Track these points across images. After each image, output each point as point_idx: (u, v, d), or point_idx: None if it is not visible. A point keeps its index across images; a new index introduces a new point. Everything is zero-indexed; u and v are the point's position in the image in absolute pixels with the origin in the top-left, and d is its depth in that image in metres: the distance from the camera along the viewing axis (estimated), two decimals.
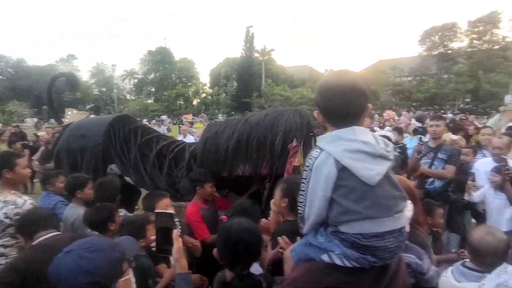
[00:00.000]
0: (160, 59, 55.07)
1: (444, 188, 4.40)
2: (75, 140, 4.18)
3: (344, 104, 1.39)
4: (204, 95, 51.58)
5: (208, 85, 55.85)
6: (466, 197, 4.23)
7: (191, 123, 18.92)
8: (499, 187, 3.76)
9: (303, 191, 1.47)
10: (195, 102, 50.81)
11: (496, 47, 36.34)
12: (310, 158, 1.45)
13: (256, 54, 49.25)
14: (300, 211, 1.52)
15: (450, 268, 2.14)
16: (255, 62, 48.28)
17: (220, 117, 36.56)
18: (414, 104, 34.13)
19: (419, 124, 8.79)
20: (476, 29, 37.35)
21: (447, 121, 7.47)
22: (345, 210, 1.38)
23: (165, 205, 2.80)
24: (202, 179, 3.36)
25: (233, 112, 47.10)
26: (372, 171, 1.35)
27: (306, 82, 43.22)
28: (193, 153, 3.79)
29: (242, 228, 1.79)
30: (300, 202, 1.50)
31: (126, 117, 4.64)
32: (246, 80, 45.59)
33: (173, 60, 55.99)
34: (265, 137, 3.23)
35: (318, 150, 1.43)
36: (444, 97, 35.98)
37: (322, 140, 1.45)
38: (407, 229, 1.56)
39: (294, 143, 3.02)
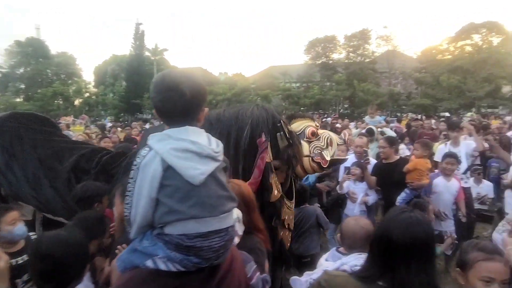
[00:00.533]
0: (31, 52, 47.72)
1: (316, 182, 5.61)
2: None
3: (167, 103, 1.42)
4: (87, 94, 46.61)
5: (93, 83, 50.93)
6: (338, 189, 5.27)
7: (68, 126, 16.56)
8: (360, 178, 5.02)
9: (129, 191, 1.43)
10: (76, 102, 45.49)
11: (367, 60, 41.48)
12: (138, 157, 1.43)
13: (147, 53, 46.83)
14: (126, 214, 1.46)
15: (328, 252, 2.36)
16: (146, 61, 45.79)
17: (109, 119, 33.44)
18: (302, 108, 36.62)
19: None
20: (351, 43, 42.01)
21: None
22: (169, 210, 1.38)
23: (12, 220, 2.43)
24: (101, 193, 2.82)
25: (122, 114, 43.68)
26: (197, 170, 1.37)
27: None
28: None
29: (55, 241, 1.64)
30: (127, 204, 1.45)
31: (17, 116, 3.49)
32: (136, 80, 42.80)
33: (48, 54, 49.11)
34: (229, 132, 2.85)
35: (147, 149, 1.42)
36: (327, 103, 39.52)
37: (152, 138, 1.44)
38: (240, 232, 1.65)
39: (263, 138, 2.80)
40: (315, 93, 38.52)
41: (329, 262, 2.19)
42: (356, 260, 1.90)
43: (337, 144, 3.35)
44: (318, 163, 3.24)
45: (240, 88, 39.66)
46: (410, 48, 43.49)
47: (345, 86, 38.34)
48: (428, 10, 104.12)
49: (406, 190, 4.73)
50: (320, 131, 3.34)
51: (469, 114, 25.87)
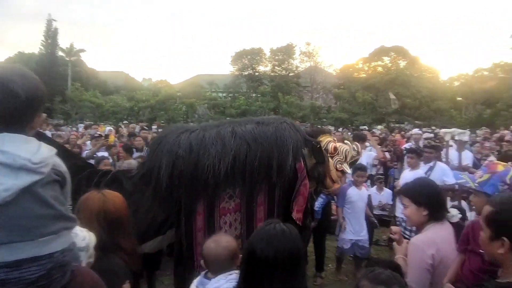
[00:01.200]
0: None
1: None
2: None
3: None
4: None
5: None
6: None
7: None
8: None
9: None
10: None
11: (291, 74, 43.08)
12: None
13: (61, 53, 42.87)
14: None
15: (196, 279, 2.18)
16: (59, 62, 41.83)
17: None
18: (228, 118, 36.52)
19: None
20: (276, 57, 43.31)
21: None
22: None
23: None
24: None
25: None
26: (0, 186, 1.15)
27: (121, 89, 40.38)
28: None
29: None
30: None
31: None
32: (47, 82, 38.58)
33: None
34: (269, 157, 2.68)
35: None
36: (253, 113, 39.88)
37: None
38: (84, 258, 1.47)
39: (302, 164, 2.78)
40: (241, 103, 38.72)
41: None
42: (228, 282, 1.87)
43: (352, 156, 3.44)
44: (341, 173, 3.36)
45: (164, 95, 38.23)
46: (330, 65, 46.05)
47: (270, 98, 39.26)
48: (347, 31, 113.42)
49: (322, 195, 4.95)
50: (337, 145, 3.37)
51: (379, 127, 28.18)
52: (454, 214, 2.14)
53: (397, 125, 38.99)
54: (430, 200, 2.03)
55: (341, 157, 3.32)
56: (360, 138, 6.43)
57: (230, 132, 2.75)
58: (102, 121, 31.96)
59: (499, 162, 1.77)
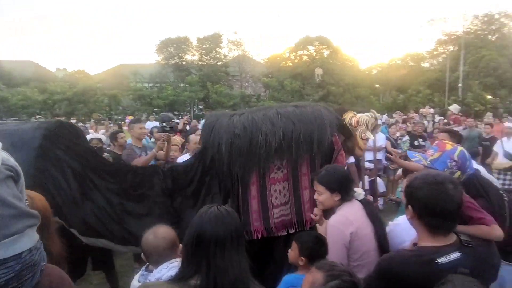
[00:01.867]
0: None
1: None
2: None
3: None
4: None
5: None
6: None
7: None
8: None
9: None
10: None
11: (220, 63, 42.48)
12: None
13: None
14: None
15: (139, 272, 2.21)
16: None
17: None
18: (156, 109, 34.91)
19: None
20: (204, 46, 42.32)
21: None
22: None
23: None
24: None
25: None
26: None
27: (31, 81, 36.24)
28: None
29: None
30: None
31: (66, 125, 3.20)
32: None
33: None
34: (312, 131, 3.16)
35: None
36: (181, 104, 38.67)
37: None
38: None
39: (337, 137, 3.26)
40: (168, 94, 37.23)
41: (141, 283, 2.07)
42: (170, 270, 1.86)
43: (372, 123, 3.68)
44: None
45: (83, 87, 35.14)
46: (259, 54, 46.46)
47: (199, 87, 38.33)
48: (274, 21, 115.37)
49: None
50: (358, 117, 3.62)
51: None
52: (360, 192, 2.39)
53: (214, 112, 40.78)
54: (342, 185, 2.26)
55: (363, 127, 3.61)
56: None
57: (275, 114, 3.23)
58: (9, 117, 28.43)
59: (448, 141, 1.98)
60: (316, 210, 2.48)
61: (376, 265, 1.62)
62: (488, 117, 18.70)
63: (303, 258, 2.19)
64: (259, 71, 43.58)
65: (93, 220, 2.93)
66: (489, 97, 34.50)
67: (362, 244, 2.18)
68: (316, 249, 2.19)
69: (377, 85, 46.63)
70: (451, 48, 46.59)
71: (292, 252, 2.28)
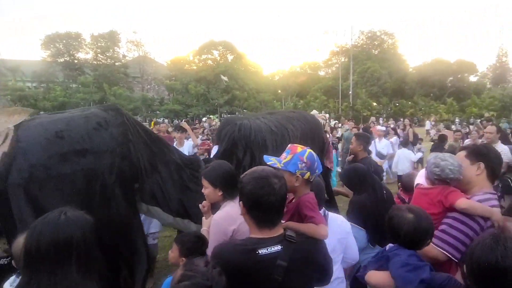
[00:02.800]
0: None
1: None
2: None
3: None
4: None
5: None
6: None
7: None
8: None
9: None
10: None
11: (118, 63, 39.55)
12: None
13: None
14: None
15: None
16: None
17: None
18: (42, 112, 30.72)
19: None
20: (99, 44, 38.96)
21: None
22: None
23: None
24: None
25: None
26: None
27: None
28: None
29: None
30: None
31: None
32: None
33: None
34: (313, 132, 4.31)
35: None
36: (74, 106, 34.77)
37: None
38: None
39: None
40: (57, 95, 33.16)
41: None
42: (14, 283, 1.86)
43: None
44: None
45: None
46: (161, 56, 44.59)
47: (95, 89, 35.04)
48: (178, 23, 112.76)
49: None
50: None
51: (213, 117, 28.79)
52: None
53: (228, 115, 41.00)
54: (225, 182, 2.32)
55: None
56: (179, 128, 6.71)
57: (288, 117, 4.14)
58: None
59: (298, 145, 2.07)
60: (204, 202, 2.47)
61: (212, 252, 1.69)
62: (372, 121, 20.87)
63: (183, 259, 2.16)
64: (161, 73, 41.82)
65: (158, 190, 3.07)
66: (374, 103, 38.71)
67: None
68: (196, 249, 2.21)
69: (279, 91, 48.74)
70: (342, 59, 51.35)
71: (172, 254, 2.27)
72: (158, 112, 37.94)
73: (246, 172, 1.69)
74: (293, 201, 2.02)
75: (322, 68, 55.94)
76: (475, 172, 2.07)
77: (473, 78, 47.47)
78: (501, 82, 48.98)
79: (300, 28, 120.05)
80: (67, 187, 2.42)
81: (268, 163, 1.95)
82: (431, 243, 1.92)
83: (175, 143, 6.29)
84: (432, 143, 9.93)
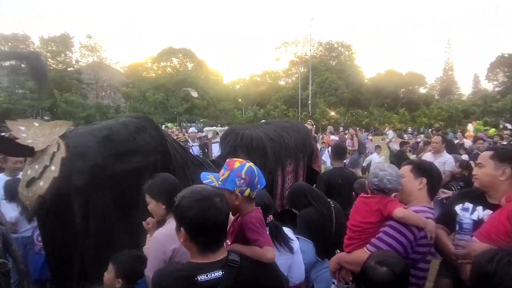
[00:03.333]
0: None
1: None
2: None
3: None
4: None
5: None
6: None
7: None
8: None
9: None
10: None
11: (71, 69, 37.67)
12: None
13: None
14: None
15: None
16: None
17: None
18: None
19: None
20: (49, 48, 36.93)
21: None
22: None
23: None
24: None
25: None
26: None
27: None
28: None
29: None
30: None
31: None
32: None
33: None
34: (304, 139, 4.71)
35: None
36: (20, 113, 32.50)
37: None
38: None
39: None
40: (1, 101, 30.88)
41: None
42: None
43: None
44: None
45: None
46: (117, 62, 42.95)
47: (44, 95, 32.99)
48: (136, 28, 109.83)
49: None
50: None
51: (170, 125, 28.11)
52: None
53: (189, 124, 40.27)
54: (168, 196, 2.14)
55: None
56: None
57: (283, 127, 4.67)
58: None
59: (237, 159, 1.91)
60: (149, 219, 2.34)
61: (151, 279, 1.59)
62: (330, 130, 21.31)
63: (120, 280, 2.07)
64: (117, 80, 40.32)
65: (186, 185, 2.81)
66: (332, 113, 39.72)
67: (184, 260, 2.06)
68: (133, 269, 2.10)
69: (240, 100, 48.72)
70: (302, 69, 52.42)
71: (108, 275, 2.12)
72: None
73: (181, 194, 1.54)
74: (239, 219, 1.88)
75: (282, 77, 56.73)
76: (418, 186, 2.12)
77: (422, 90, 50.26)
78: (448, 94, 52.28)
79: (260, 37, 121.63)
80: (121, 184, 2.68)
81: (204, 182, 1.80)
82: (364, 249, 1.99)
83: None
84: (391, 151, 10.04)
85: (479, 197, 2.19)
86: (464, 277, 1.93)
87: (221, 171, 1.86)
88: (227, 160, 1.90)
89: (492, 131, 16.27)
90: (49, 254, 2.72)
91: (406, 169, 2.22)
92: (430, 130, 22.96)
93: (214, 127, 8.48)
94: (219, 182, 1.79)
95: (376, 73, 52.57)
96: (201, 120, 28.87)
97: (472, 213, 2.18)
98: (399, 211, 1.98)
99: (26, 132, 2.52)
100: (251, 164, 1.86)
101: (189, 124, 38.53)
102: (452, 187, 4.71)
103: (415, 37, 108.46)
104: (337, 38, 54.75)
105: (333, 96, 44.10)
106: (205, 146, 7.88)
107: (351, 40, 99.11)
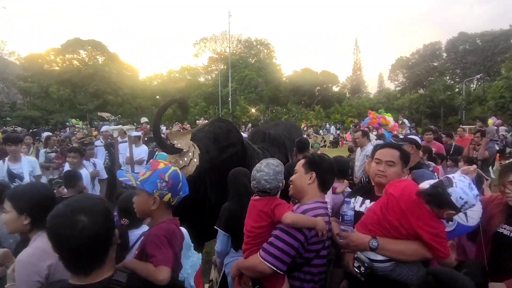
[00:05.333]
0: None
1: None
2: None
3: None
4: None
5: None
6: None
7: None
8: None
9: None
10: None
11: None
12: None
13: None
14: None
15: None
16: None
17: None
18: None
19: None
20: None
21: None
22: None
23: None
24: None
25: None
26: None
27: None
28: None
29: None
30: None
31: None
32: None
33: None
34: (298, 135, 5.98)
35: None
36: None
37: None
38: None
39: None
40: None
41: None
42: None
43: None
44: None
45: None
46: (12, 53, 37.75)
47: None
48: (36, 15, 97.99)
49: None
50: None
51: (74, 121, 25.60)
52: None
53: (100, 122, 37.16)
54: (37, 208, 1.91)
55: None
56: (13, 140, 5.22)
57: (286, 127, 6.42)
58: None
59: (162, 161, 1.80)
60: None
61: None
62: (250, 127, 21.38)
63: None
64: (13, 73, 35.47)
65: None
66: (253, 110, 40.07)
67: (62, 275, 1.86)
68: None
69: (157, 96, 46.50)
70: (221, 66, 52.01)
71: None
72: (8, 119, 31.89)
73: (61, 204, 1.37)
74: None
75: (202, 74, 55.72)
76: (307, 181, 2.09)
77: (335, 88, 53.57)
78: (357, 92, 56.57)
79: (177, 31, 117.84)
80: (225, 167, 3.55)
81: (120, 178, 1.71)
82: (257, 256, 1.93)
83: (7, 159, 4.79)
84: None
85: (368, 191, 2.29)
86: (344, 265, 2.04)
87: (142, 170, 1.75)
88: (151, 160, 1.74)
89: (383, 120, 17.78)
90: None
91: (299, 164, 2.22)
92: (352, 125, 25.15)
93: (120, 126, 7.57)
94: (138, 182, 1.66)
95: (293, 71, 54.54)
96: (112, 118, 26.70)
97: (361, 205, 2.24)
98: (286, 217, 1.93)
99: (176, 139, 3.77)
100: (176, 168, 1.76)
101: (101, 123, 35.64)
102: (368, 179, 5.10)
103: (328, 36, 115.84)
104: (256, 36, 55.29)
105: (253, 94, 44.56)
106: (111, 146, 7.01)
107: (270, 38, 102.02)
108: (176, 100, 4.13)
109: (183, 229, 3.14)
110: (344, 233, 2.03)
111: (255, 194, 2.25)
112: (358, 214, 2.13)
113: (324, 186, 2.12)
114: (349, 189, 3.94)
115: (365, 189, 2.40)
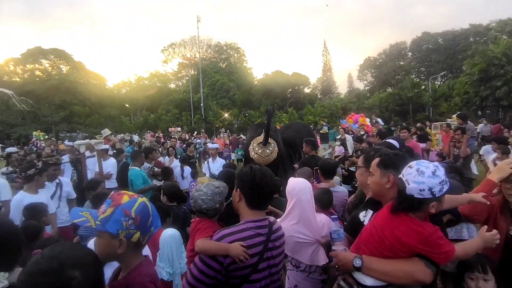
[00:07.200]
0: None
1: None
2: None
3: None
4: None
5: None
6: None
7: None
8: None
9: None
10: None
11: None
12: None
13: None
14: None
15: None
16: None
17: None
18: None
19: None
20: None
21: None
22: None
23: None
24: None
25: None
26: None
27: None
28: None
29: None
30: None
31: None
32: None
33: None
34: (306, 135, 6.65)
35: None
36: None
37: None
38: None
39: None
40: None
41: None
42: None
43: None
44: None
45: None
46: None
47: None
48: None
49: None
50: None
51: (36, 133, 24.56)
52: None
53: (68, 134, 35.66)
54: None
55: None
56: None
57: (296, 128, 7.29)
58: None
59: (127, 192, 1.50)
60: None
61: None
62: (223, 133, 21.04)
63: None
64: None
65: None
66: (226, 115, 39.69)
67: None
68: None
69: (127, 105, 45.23)
70: (192, 71, 51.30)
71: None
72: None
73: (40, 258, 1.13)
74: (119, 277, 1.50)
75: (172, 80, 54.77)
76: (236, 199, 1.92)
77: (307, 90, 54.04)
78: (328, 93, 57.34)
79: (144, 37, 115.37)
80: (283, 156, 5.60)
81: (75, 220, 1.41)
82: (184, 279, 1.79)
83: None
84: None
85: (378, 204, 2.06)
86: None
87: (103, 207, 1.46)
88: (112, 192, 1.50)
89: (361, 119, 18.08)
90: None
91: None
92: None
93: (88, 140, 7.01)
94: (97, 222, 1.40)
95: (264, 73, 54.54)
96: (76, 129, 25.64)
97: (370, 219, 2.04)
98: (197, 244, 1.84)
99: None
100: (144, 199, 1.50)
101: (68, 135, 34.21)
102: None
103: (298, 38, 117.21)
104: (225, 40, 54.95)
105: (225, 98, 44.18)
106: (77, 161, 6.49)
107: (240, 41, 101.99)
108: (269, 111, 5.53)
109: (175, 231, 2.89)
110: (332, 253, 1.94)
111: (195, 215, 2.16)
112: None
113: (253, 203, 1.85)
114: (338, 188, 3.74)
115: (375, 201, 2.22)
